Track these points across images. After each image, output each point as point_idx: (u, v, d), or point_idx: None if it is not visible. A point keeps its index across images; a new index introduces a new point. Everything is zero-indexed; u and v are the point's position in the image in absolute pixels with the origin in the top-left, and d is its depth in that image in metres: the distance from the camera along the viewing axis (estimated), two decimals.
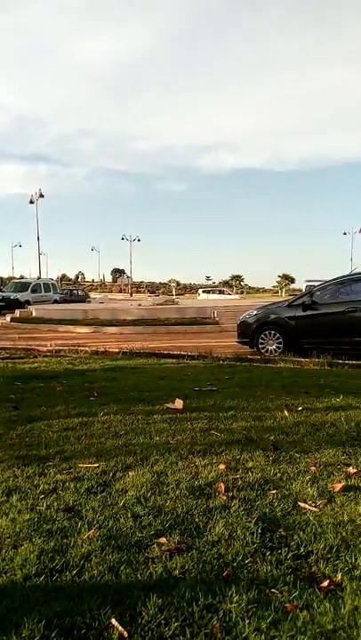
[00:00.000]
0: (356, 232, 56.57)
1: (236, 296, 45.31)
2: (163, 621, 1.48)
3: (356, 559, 1.82)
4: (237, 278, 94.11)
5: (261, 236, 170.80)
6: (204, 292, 51.42)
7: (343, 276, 8.60)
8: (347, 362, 6.74)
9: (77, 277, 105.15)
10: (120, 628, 1.45)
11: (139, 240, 61.27)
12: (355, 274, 8.67)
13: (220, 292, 49.00)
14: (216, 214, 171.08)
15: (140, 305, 22.72)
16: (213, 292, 49.46)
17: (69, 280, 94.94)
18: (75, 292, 34.75)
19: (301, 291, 22.47)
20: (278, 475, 2.59)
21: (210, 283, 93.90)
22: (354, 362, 6.84)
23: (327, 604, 1.56)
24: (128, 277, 69.98)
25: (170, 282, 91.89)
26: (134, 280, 73.63)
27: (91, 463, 2.77)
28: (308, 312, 8.18)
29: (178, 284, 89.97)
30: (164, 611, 1.53)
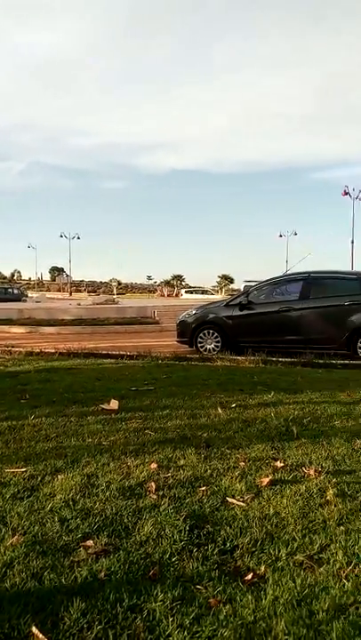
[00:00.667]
0: (292, 235, 58.69)
1: (219, 296, 45.74)
2: (85, 625, 1.46)
3: (279, 551, 1.87)
4: (178, 278, 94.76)
5: (202, 236, 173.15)
6: (187, 292, 51.30)
7: (278, 277, 8.90)
8: (280, 359, 6.97)
9: (13, 275, 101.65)
10: (40, 635, 1.41)
11: (78, 238, 60.02)
12: (288, 275, 9.00)
13: (203, 293, 49.24)
14: (156, 214, 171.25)
15: (79, 304, 22.32)
16: (197, 292, 49.59)
17: (4, 278, 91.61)
18: (10, 290, 33.67)
19: (240, 291, 22.98)
20: (209, 471, 2.63)
21: (151, 282, 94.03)
22: (286, 359, 7.08)
23: (249, 597, 1.60)
24: (67, 276, 68.51)
25: (111, 281, 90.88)
26: (74, 279, 72.38)
27: (18, 468, 2.67)
28: (245, 311, 8.38)
29: (119, 283, 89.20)
30: (88, 614, 1.50)
